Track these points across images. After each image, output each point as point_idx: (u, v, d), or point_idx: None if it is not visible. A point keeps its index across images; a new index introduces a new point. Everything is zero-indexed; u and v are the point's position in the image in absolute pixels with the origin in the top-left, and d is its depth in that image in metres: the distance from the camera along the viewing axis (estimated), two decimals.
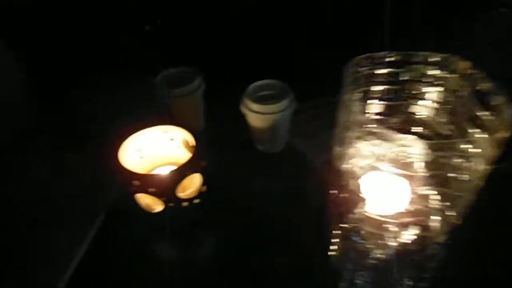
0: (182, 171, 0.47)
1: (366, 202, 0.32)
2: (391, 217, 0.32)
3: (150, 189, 0.46)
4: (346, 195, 0.33)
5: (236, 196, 0.56)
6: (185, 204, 0.49)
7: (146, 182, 0.46)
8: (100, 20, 0.77)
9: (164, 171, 0.55)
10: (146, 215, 0.50)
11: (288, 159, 0.62)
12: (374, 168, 0.33)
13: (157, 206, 0.50)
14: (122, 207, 0.53)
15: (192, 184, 0.50)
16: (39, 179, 0.59)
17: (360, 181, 0.33)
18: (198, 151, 0.48)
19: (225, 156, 0.59)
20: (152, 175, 0.46)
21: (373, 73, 0.32)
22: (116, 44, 0.74)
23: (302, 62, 0.73)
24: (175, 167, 0.55)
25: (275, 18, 0.71)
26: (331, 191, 0.37)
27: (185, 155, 0.55)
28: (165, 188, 0.46)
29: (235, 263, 0.48)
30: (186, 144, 0.54)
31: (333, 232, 0.40)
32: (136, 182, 0.46)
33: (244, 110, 0.58)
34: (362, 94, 0.32)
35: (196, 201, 0.50)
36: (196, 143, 0.49)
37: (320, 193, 0.55)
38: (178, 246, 0.51)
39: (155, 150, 0.55)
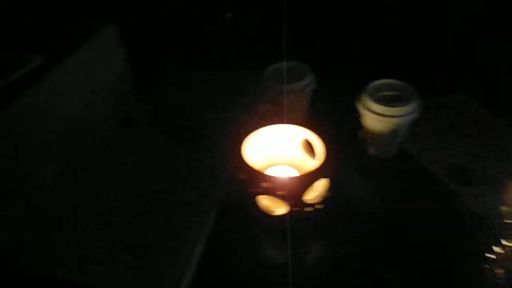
0: (315, 175, 0.44)
1: None
2: None
3: (279, 192, 0.44)
4: None
5: (352, 201, 0.53)
6: (308, 209, 0.47)
7: (276, 185, 0.44)
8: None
9: (278, 171, 0.53)
10: (265, 217, 0.48)
11: (402, 163, 0.58)
12: None
13: (277, 209, 0.48)
14: (233, 207, 0.52)
15: (315, 188, 0.47)
16: (139, 171, 0.58)
17: None
18: (330, 155, 0.45)
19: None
20: (285, 178, 0.44)
21: None
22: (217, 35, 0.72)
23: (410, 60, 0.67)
24: (289, 167, 0.53)
25: (390, 13, 0.66)
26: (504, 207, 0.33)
27: (301, 157, 0.53)
28: (295, 191, 0.44)
29: (355, 272, 0.46)
30: (306, 146, 0.51)
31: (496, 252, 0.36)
32: (265, 184, 0.44)
33: (361, 109, 0.54)
34: None
35: (319, 206, 0.47)
36: (328, 147, 0.46)
37: (443, 201, 0.51)
38: (295, 251, 0.49)
39: (271, 149, 0.53)
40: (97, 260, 0.47)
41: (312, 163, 0.51)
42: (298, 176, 0.44)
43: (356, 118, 0.57)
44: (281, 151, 0.54)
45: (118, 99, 0.66)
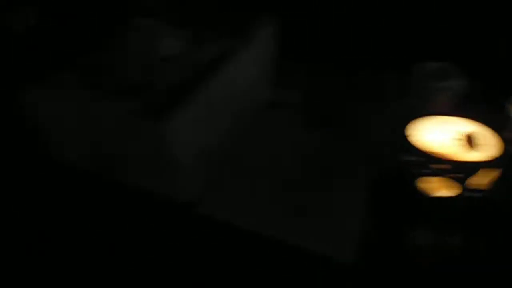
0: (493, 164, 0.47)
1: None
2: None
3: (455, 175, 0.47)
4: None
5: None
6: (474, 194, 0.50)
7: (457, 168, 0.47)
8: None
9: None
10: (428, 199, 0.52)
11: None
12: None
13: (439, 191, 0.51)
14: (386, 188, 0.56)
15: (481, 177, 0.50)
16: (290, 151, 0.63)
17: None
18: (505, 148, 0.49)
19: None
20: (468, 161, 0.47)
21: None
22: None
23: None
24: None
25: None
26: None
27: (456, 148, 0.56)
28: (470, 175, 0.47)
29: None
30: (467, 138, 0.54)
31: None
32: (442, 166, 0.48)
33: None
34: None
35: (486, 194, 0.50)
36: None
37: None
38: (451, 236, 0.52)
39: (427, 138, 0.56)
40: (274, 217, 0.53)
41: (471, 156, 0.54)
42: (480, 162, 0.47)
43: (503, 119, 0.59)
44: (436, 141, 0.57)
45: (267, 85, 0.73)
